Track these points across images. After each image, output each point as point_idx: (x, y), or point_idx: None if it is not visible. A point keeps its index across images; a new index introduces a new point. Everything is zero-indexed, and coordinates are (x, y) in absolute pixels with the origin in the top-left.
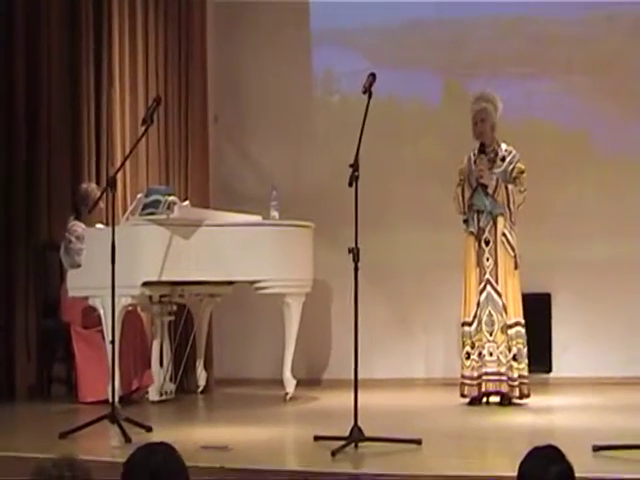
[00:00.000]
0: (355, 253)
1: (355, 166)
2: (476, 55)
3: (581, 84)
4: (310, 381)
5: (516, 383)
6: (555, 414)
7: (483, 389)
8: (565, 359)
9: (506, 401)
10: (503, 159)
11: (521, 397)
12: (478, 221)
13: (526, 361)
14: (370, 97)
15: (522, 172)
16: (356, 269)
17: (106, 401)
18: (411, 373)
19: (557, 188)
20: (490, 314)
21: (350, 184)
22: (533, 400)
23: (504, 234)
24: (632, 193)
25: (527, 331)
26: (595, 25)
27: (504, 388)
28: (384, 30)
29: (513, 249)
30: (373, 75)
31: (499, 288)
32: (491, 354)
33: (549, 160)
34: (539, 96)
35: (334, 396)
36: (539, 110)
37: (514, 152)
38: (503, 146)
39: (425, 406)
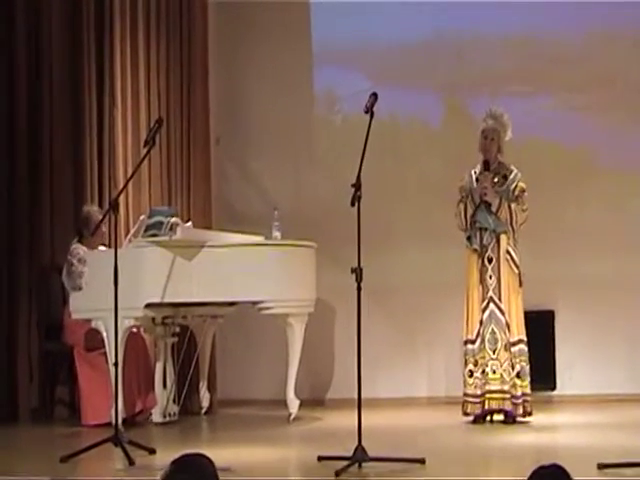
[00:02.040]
0: (358, 273)
1: (357, 186)
2: (477, 74)
3: (582, 101)
4: (313, 401)
5: (519, 401)
6: (560, 432)
7: (486, 407)
8: (569, 377)
9: (510, 419)
10: (505, 177)
11: (524, 415)
12: (481, 239)
13: (529, 379)
14: (372, 117)
15: (523, 191)
16: (359, 289)
17: (109, 424)
18: (414, 392)
19: (560, 205)
20: (493, 332)
21: (352, 204)
22: (537, 418)
23: (508, 252)
24: (635, 210)
25: (530, 349)
26: (596, 42)
27: (507, 406)
28: (385, 50)
29: (517, 266)
30: (375, 95)
31: (502, 306)
32: (494, 372)
33: (551, 177)
34: (541, 114)
35: (337, 416)
36: (541, 128)
37: (515, 171)
38: (505, 165)
39: (428, 425)
